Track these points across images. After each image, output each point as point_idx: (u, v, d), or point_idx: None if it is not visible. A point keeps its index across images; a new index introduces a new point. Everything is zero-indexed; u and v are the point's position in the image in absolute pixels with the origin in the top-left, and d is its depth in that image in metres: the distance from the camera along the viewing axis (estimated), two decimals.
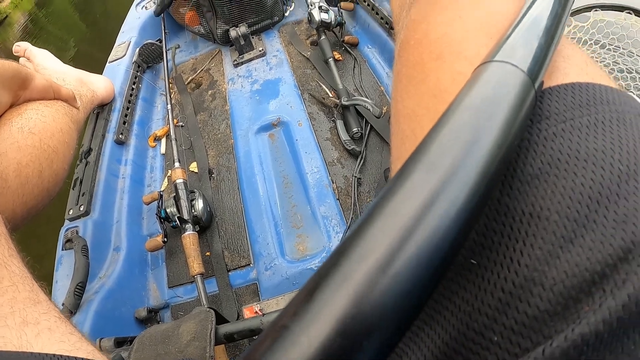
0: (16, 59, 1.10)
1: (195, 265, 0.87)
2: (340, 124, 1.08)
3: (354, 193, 0.95)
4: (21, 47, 1.10)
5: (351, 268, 0.16)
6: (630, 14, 1.31)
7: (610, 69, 1.44)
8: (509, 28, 0.27)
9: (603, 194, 0.21)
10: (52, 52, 1.13)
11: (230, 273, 0.93)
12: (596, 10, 1.37)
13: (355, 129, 1.04)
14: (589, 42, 1.46)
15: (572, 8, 1.34)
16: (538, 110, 0.25)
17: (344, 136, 1.04)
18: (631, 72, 1.42)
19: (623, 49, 1.43)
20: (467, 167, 0.19)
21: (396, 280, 0.16)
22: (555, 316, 0.19)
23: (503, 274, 0.21)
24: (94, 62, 1.22)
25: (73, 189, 1.05)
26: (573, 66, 0.29)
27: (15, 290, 0.43)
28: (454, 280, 0.23)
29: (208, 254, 0.97)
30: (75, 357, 0.39)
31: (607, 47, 1.44)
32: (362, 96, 1.13)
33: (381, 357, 0.16)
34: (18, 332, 0.38)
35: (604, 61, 1.46)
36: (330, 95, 1.16)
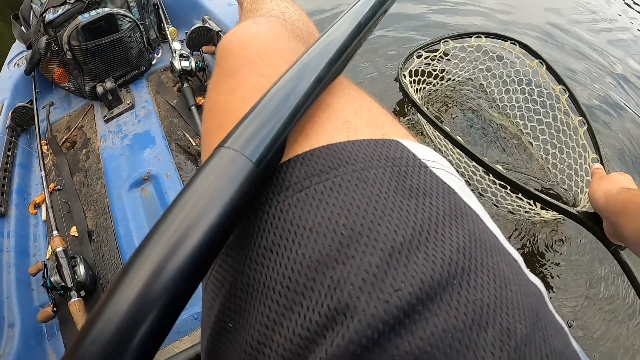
0: None
1: None
2: None
3: None
4: None
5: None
6: (514, 44, 1.51)
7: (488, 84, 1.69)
8: (259, 101, 0.28)
9: (321, 262, 0.22)
10: None
11: None
12: (479, 37, 1.57)
13: None
14: (467, 59, 1.69)
15: (460, 33, 1.53)
16: (280, 180, 0.26)
17: None
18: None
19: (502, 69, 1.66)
20: (170, 266, 0.20)
21: None
22: None
23: (244, 337, 0.23)
24: None
25: None
26: (334, 121, 0.29)
27: None
28: (222, 342, 0.26)
29: None
30: None
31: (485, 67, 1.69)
32: None
33: None
34: None
35: (485, 79, 1.71)
36: (194, 143, 1.24)
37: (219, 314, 0.26)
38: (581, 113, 1.31)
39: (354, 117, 0.30)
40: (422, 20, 2.13)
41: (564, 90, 1.39)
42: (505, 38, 1.57)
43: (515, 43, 1.54)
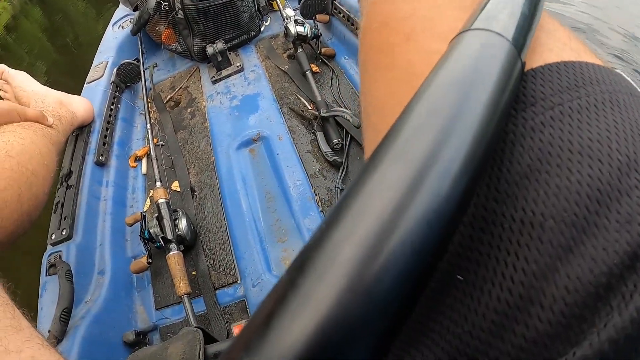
0: None
1: (182, 285, 0.87)
2: (320, 135, 1.08)
3: None
4: None
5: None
6: None
7: None
8: None
9: (603, 192, 0.18)
10: None
11: (217, 291, 0.93)
12: None
13: (335, 140, 1.05)
14: None
15: None
16: (522, 96, 0.22)
17: (325, 148, 1.05)
18: None
19: None
20: (446, 154, 0.16)
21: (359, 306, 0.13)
22: (558, 338, 0.17)
23: (495, 293, 0.18)
24: (65, 87, 1.22)
25: (54, 213, 1.04)
26: (557, 42, 0.26)
27: None
28: (439, 300, 0.20)
29: (194, 273, 0.97)
30: None
31: None
32: (341, 107, 1.14)
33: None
34: None
35: None
36: (309, 107, 1.17)
37: (440, 264, 0.20)
38: None
39: (570, 40, 0.26)
40: None
41: None
42: None
43: None
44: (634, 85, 0.24)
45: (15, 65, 1.14)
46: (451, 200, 0.15)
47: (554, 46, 0.25)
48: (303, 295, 0.13)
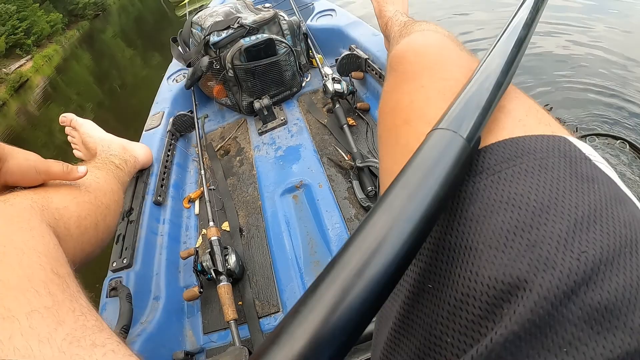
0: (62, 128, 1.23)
1: (230, 312, 0.97)
2: (356, 184, 1.20)
3: None
4: (67, 117, 1.23)
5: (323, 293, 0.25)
6: (625, 144, 1.49)
7: None
8: (456, 96, 0.34)
9: (518, 227, 0.27)
10: None
11: (260, 320, 1.02)
12: (591, 137, 1.55)
13: (369, 188, 1.16)
14: None
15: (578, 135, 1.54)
16: (475, 166, 0.32)
17: (360, 194, 1.17)
18: None
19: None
20: (408, 211, 0.26)
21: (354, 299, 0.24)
22: (486, 318, 0.25)
23: (450, 292, 0.28)
24: (110, 128, 1.34)
25: (116, 244, 1.16)
26: (511, 120, 0.35)
27: (84, 319, 0.50)
28: (419, 302, 0.30)
29: (240, 303, 1.07)
30: None
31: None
32: (374, 158, 1.26)
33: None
34: (89, 352, 0.45)
35: None
36: (346, 158, 1.29)
37: (419, 278, 0.31)
38: None
39: (526, 116, 0.36)
40: None
41: None
42: (614, 137, 1.53)
43: (625, 143, 1.49)
44: (576, 147, 0.32)
45: (65, 104, 1.26)
46: (408, 243, 0.25)
47: (507, 125, 0.34)
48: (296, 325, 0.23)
